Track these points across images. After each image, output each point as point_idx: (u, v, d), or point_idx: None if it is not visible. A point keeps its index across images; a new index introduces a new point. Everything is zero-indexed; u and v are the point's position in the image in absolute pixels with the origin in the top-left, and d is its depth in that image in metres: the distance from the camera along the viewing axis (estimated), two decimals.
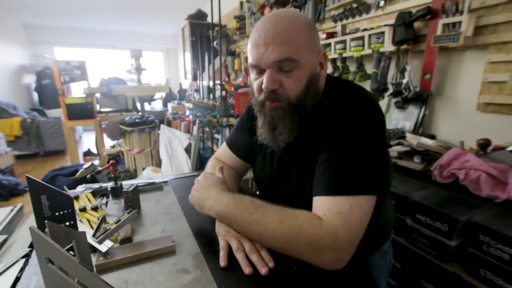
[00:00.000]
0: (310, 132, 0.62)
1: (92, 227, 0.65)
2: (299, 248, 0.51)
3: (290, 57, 0.53)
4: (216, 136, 3.13)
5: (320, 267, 0.51)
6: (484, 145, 1.04)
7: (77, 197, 0.81)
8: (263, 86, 0.57)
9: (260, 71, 0.58)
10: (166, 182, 0.98)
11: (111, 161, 0.88)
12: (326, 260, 0.50)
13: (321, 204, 0.53)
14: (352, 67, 1.71)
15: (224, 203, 0.59)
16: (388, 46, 1.42)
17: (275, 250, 0.54)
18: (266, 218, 0.53)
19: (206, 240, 0.63)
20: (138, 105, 4.13)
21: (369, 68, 1.61)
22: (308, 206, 0.55)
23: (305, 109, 0.58)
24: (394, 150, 1.22)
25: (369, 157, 0.53)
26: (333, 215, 0.50)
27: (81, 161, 3.97)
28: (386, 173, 0.62)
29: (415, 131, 1.42)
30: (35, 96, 5.85)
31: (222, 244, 0.57)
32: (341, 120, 0.56)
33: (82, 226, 0.65)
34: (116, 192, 0.84)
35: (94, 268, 0.51)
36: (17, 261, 0.56)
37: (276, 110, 0.59)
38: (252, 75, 0.61)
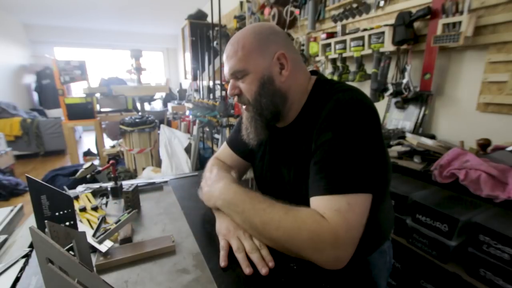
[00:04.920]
0: (302, 132, 0.63)
1: (92, 227, 0.65)
2: (300, 243, 0.51)
3: (236, 69, 0.64)
4: (216, 136, 3.12)
5: (320, 266, 0.51)
6: (484, 145, 1.04)
7: (77, 197, 0.81)
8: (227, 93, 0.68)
9: None
10: (166, 182, 0.98)
11: (111, 161, 0.88)
12: (326, 258, 0.50)
13: (319, 203, 0.53)
14: (352, 67, 1.71)
15: (233, 191, 0.64)
16: (388, 46, 1.42)
17: (276, 244, 0.54)
18: (272, 208, 0.56)
19: (206, 240, 0.63)
20: (138, 105, 4.11)
21: (369, 68, 1.61)
22: (305, 206, 0.55)
23: (262, 108, 0.65)
24: (394, 150, 1.22)
25: (364, 155, 0.53)
26: (332, 213, 0.50)
27: (81, 161, 3.97)
28: (383, 172, 0.62)
29: (415, 131, 1.42)
30: (35, 96, 5.85)
31: (222, 244, 0.58)
32: (333, 119, 0.56)
33: (82, 226, 0.65)
34: (116, 192, 0.84)
35: (94, 268, 0.51)
36: (17, 261, 0.56)
37: (246, 112, 0.69)
38: None
